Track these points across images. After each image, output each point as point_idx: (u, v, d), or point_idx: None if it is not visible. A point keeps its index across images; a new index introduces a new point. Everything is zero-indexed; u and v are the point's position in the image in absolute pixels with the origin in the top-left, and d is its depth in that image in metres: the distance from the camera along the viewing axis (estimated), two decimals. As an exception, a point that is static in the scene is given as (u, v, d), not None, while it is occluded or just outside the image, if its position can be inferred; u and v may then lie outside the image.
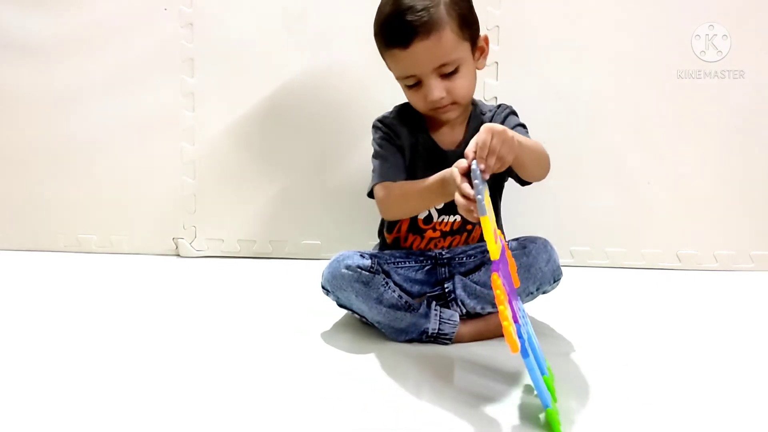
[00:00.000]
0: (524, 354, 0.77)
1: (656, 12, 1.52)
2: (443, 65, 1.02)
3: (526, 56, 1.54)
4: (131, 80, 1.63)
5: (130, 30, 1.62)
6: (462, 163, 0.86)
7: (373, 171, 1.12)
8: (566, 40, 1.54)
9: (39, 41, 1.63)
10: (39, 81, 1.65)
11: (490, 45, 1.50)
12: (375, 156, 1.13)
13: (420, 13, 0.98)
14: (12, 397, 0.90)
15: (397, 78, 1.08)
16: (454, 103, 1.05)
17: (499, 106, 1.16)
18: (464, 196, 0.83)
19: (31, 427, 0.83)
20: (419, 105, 1.08)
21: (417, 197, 1.03)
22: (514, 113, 1.15)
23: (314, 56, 1.59)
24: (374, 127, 1.16)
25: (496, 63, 1.54)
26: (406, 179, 1.10)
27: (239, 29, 1.60)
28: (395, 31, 1.01)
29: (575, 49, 1.54)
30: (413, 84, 1.05)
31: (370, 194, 1.13)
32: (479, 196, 0.79)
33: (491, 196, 1.12)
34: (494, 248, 0.78)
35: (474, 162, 0.83)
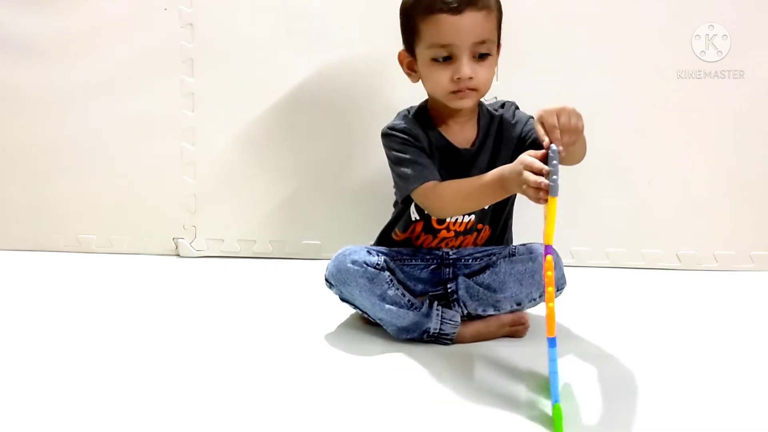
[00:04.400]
0: (552, 343, 0.80)
1: (656, 12, 1.52)
2: (482, 43, 1.02)
3: (526, 57, 1.54)
4: (131, 80, 1.63)
5: (130, 30, 1.61)
6: (534, 152, 0.88)
7: (404, 177, 1.07)
8: (566, 41, 1.54)
9: (39, 41, 1.63)
10: (39, 81, 1.65)
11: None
12: (399, 162, 1.08)
13: None
14: (12, 397, 0.90)
15: (429, 47, 1.03)
16: (474, 89, 1.04)
17: (503, 104, 1.15)
18: (538, 173, 0.85)
19: (32, 427, 0.83)
20: (442, 83, 1.04)
21: (473, 195, 1.01)
22: (518, 108, 1.15)
23: (315, 57, 1.59)
24: (386, 135, 1.11)
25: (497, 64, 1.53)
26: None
27: (239, 29, 1.60)
28: None
29: (575, 49, 1.54)
30: (443, 58, 1.03)
31: (403, 200, 1.13)
32: (554, 177, 0.82)
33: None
34: (551, 232, 0.81)
35: (552, 145, 0.84)
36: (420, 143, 1.09)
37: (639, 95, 1.54)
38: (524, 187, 0.86)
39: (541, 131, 0.86)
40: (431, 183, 1.05)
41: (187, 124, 1.64)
